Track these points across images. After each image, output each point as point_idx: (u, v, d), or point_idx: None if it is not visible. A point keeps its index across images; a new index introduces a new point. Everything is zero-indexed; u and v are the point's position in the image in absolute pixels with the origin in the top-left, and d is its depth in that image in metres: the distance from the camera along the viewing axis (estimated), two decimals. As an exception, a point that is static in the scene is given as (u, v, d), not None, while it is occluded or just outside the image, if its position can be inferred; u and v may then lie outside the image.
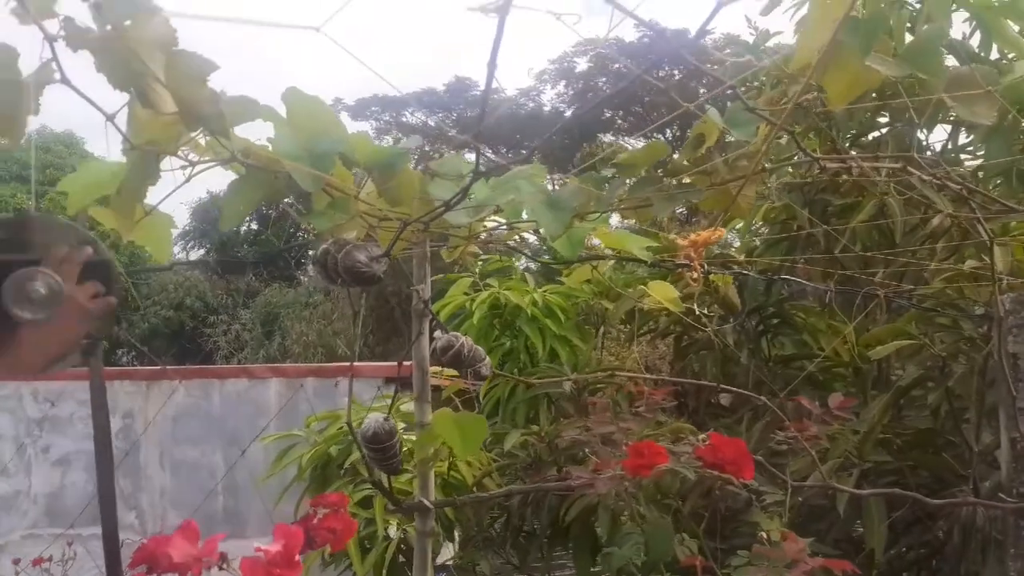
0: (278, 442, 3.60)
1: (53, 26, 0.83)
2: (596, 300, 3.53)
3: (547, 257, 2.50)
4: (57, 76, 0.87)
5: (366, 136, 1.28)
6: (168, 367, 6.50)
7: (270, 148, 1.22)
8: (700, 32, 0.81)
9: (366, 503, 2.86)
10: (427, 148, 17.72)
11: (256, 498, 4.98)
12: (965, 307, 2.04)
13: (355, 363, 5.91)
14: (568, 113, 17.49)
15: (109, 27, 0.83)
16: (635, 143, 17.17)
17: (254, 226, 16.56)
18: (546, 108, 17.48)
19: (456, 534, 3.08)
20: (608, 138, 17.45)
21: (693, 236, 1.48)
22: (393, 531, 2.85)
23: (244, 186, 1.20)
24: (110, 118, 0.94)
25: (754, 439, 2.44)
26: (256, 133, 1.30)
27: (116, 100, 1.02)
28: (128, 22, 0.85)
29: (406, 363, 1.73)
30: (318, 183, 1.12)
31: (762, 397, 1.68)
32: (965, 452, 2.12)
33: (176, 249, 18.21)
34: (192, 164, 1.14)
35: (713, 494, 1.71)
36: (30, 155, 15.68)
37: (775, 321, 3.01)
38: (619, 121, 17.73)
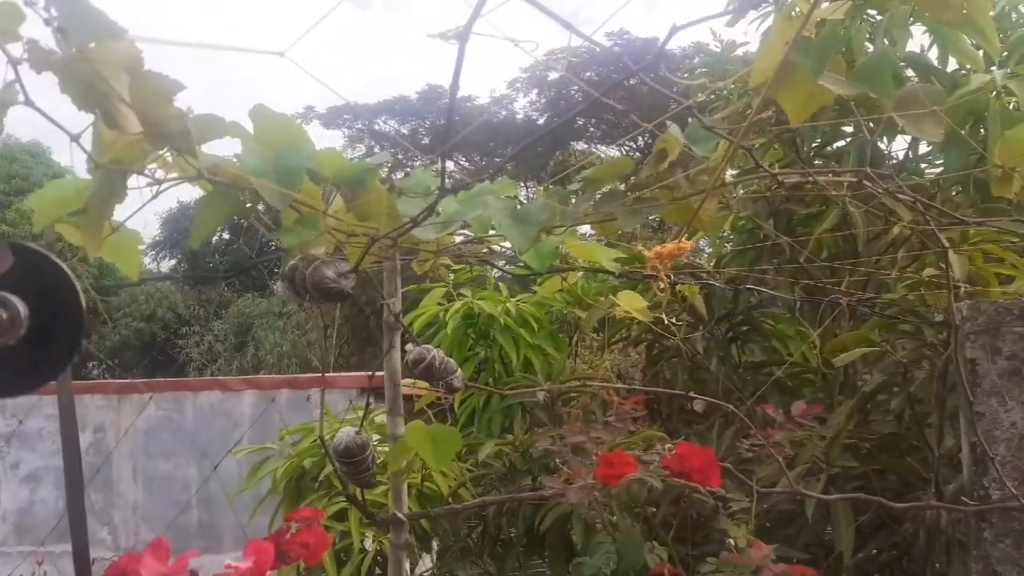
0: (252, 455, 3.57)
1: (17, 48, 0.84)
2: (569, 309, 3.55)
3: (519, 267, 2.52)
4: (21, 98, 0.87)
5: (335, 151, 1.29)
6: (139, 380, 6.43)
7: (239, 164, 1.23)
8: (657, 55, 0.84)
9: (341, 516, 2.85)
10: (399, 156, 17.70)
11: (231, 512, 4.93)
12: (926, 314, 2.09)
13: (329, 374, 5.88)
14: (541, 120, 17.56)
15: (74, 49, 0.84)
16: (607, 151, 17.30)
17: (226, 236, 16.43)
18: (519, 116, 17.57)
19: (434, 544, 3.08)
20: (581, 146, 17.57)
21: (658, 248, 1.51)
22: (370, 543, 2.85)
23: (212, 202, 1.21)
24: (75, 138, 0.94)
25: (724, 446, 2.48)
26: (228, 148, 1.31)
27: (84, 115, 1.02)
28: (92, 44, 0.86)
29: (379, 373, 1.74)
30: (285, 200, 1.13)
31: (728, 405, 1.71)
32: (929, 456, 2.17)
33: (147, 260, 17.99)
34: (158, 182, 1.14)
35: (683, 501, 1.74)
36: (-4, 166, 15.44)
37: (744, 328, 3.06)
38: (591, 129, 17.85)
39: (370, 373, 1.68)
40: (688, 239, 1.63)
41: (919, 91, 0.97)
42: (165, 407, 6.05)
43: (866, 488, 2.26)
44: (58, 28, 0.78)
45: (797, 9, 1.07)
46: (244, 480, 3.41)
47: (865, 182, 1.18)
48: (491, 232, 1.44)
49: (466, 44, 0.70)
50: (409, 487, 2.89)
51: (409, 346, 1.63)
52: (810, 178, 1.22)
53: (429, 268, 1.70)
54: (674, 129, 1.21)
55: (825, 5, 1.11)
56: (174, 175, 1.23)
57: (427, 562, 3.17)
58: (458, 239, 1.48)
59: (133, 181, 1.20)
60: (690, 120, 1.26)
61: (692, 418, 3.15)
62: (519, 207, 1.26)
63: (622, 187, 1.26)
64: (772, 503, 2.35)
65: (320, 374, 6.09)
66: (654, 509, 2.22)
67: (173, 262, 17.82)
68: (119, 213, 1.23)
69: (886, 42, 2.16)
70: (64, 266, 0.81)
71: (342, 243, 1.28)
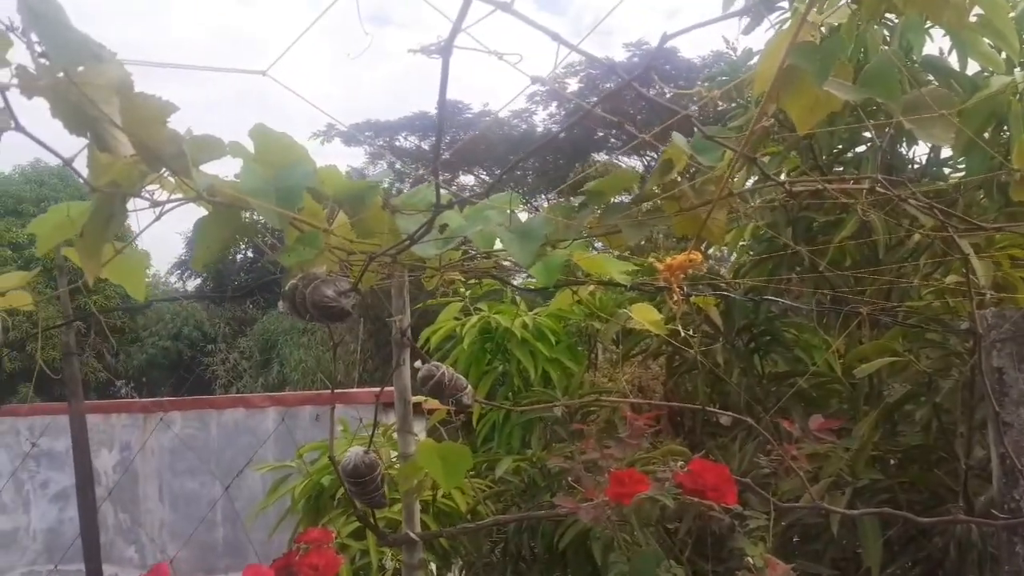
0: (275, 472, 3.57)
1: (6, 75, 0.83)
2: (587, 322, 3.51)
3: (529, 282, 2.49)
4: (12, 125, 0.87)
5: (335, 169, 1.28)
6: (165, 399, 6.48)
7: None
8: (647, 64, 0.81)
9: (360, 534, 2.83)
10: (420, 172, 17.77)
11: (256, 529, 4.93)
12: (950, 322, 2.03)
13: (351, 390, 5.88)
14: (562, 134, 17.55)
15: (60, 74, 0.83)
16: (629, 162, 17.23)
17: (250, 254, 16.59)
18: (539, 129, 17.58)
19: (460, 560, 3.05)
20: (602, 157, 17.53)
21: (669, 260, 1.48)
22: (389, 562, 2.82)
23: (212, 224, 1.20)
24: (67, 163, 0.94)
25: (747, 459, 2.43)
26: (231, 168, 1.30)
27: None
28: (81, 68, 0.85)
29: (388, 389, 1.72)
30: (283, 220, 1.12)
31: (747, 418, 1.66)
32: (959, 467, 2.10)
33: (172, 279, 18.22)
34: (157, 204, 1.14)
35: (702, 518, 1.69)
36: (24, 190, 15.74)
37: (766, 339, 3.00)
38: (612, 140, 17.81)
39: (378, 390, 1.66)
40: (700, 250, 1.59)
41: (928, 95, 0.93)
42: (190, 425, 6.09)
43: (894, 501, 2.20)
44: (41, 54, 0.78)
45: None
46: (263, 499, 3.41)
47: (878, 189, 1.15)
48: (497, 247, 1.42)
49: (449, 58, 0.68)
50: (427, 504, 2.87)
51: (418, 363, 1.61)
52: (819, 186, 1.18)
53: (437, 284, 1.68)
54: (678, 138, 1.18)
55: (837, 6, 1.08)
56: (178, 196, 1.23)
57: (451, 579, 3.14)
58: (460, 255, 1.46)
59: (134, 203, 1.19)
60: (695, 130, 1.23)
61: (716, 431, 3.09)
62: (522, 222, 1.24)
63: (627, 199, 1.24)
64: (798, 518, 2.29)
65: (345, 391, 6.08)
66: (676, 525, 2.18)
67: (198, 281, 18.02)
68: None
69: (895, 46, 2.11)
70: None
71: (344, 261, 1.27)
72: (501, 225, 1.15)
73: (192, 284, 17.98)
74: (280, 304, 1.19)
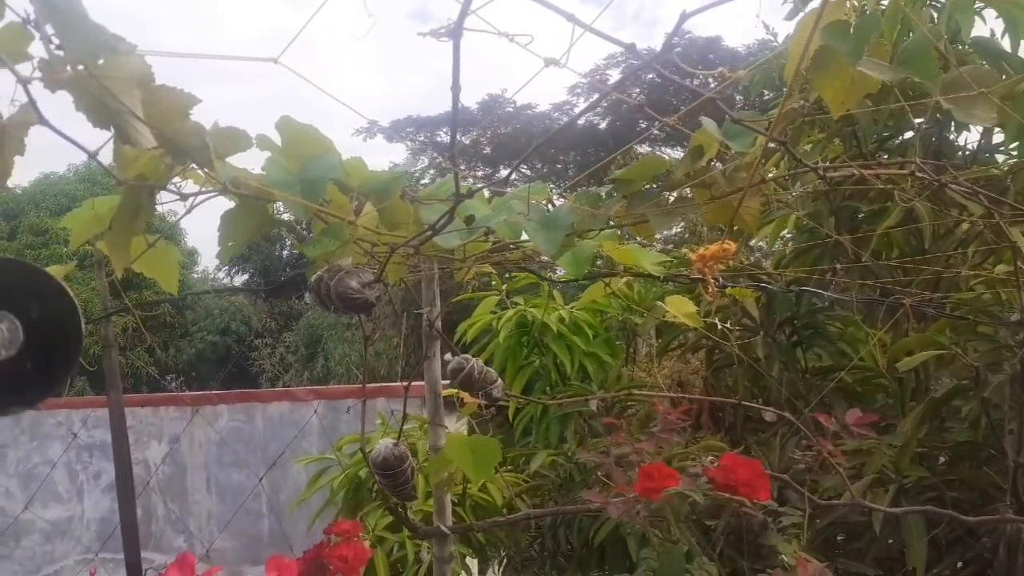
0: (318, 464, 3.61)
1: (27, 69, 0.84)
2: (625, 315, 3.48)
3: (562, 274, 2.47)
4: (36, 119, 0.88)
5: (360, 161, 1.28)
6: (212, 392, 6.61)
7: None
8: (667, 46, 0.79)
9: (396, 527, 2.85)
10: (463, 167, 17.80)
11: (301, 520, 5.01)
12: (1000, 314, 1.95)
13: (392, 384, 5.92)
14: (603, 125, 17.42)
15: (81, 67, 0.84)
16: (672, 153, 17.03)
17: (296, 250, 16.83)
18: (580, 121, 17.43)
19: (500, 555, 3.05)
20: (644, 148, 17.35)
21: (702, 251, 1.45)
22: (425, 554, 2.83)
23: (238, 216, 1.21)
24: (92, 155, 0.95)
25: (787, 455, 2.37)
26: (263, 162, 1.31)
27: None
28: (101, 61, 0.86)
29: (417, 383, 1.72)
30: (308, 212, 1.12)
31: (785, 413, 1.62)
32: (1008, 465, 2.02)
33: (221, 275, 18.58)
34: (184, 197, 1.14)
35: (739, 513, 1.66)
36: (78, 189, 16.18)
37: (808, 332, 2.93)
38: (655, 131, 17.62)
39: (406, 383, 1.65)
40: (734, 240, 1.55)
41: (968, 73, 0.89)
42: (237, 418, 6.21)
43: (941, 500, 2.13)
44: (57, 47, 0.78)
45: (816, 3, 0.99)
46: (303, 491, 3.45)
47: (918, 175, 1.10)
48: (524, 238, 1.40)
49: (459, 41, 0.67)
50: (462, 498, 2.87)
51: (448, 356, 1.60)
52: (856, 172, 1.14)
53: (468, 276, 1.67)
54: (708, 123, 1.15)
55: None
56: (207, 189, 1.23)
57: (493, 573, 3.15)
58: (488, 245, 1.45)
59: (166, 196, 1.21)
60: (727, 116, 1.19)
61: (758, 426, 3.03)
62: (548, 211, 1.22)
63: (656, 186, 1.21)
64: (842, 516, 2.23)
65: (384, 384, 6.15)
66: (714, 522, 2.14)
67: (246, 276, 18.35)
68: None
69: (943, 28, 2.03)
70: (63, 283, 0.81)
71: (369, 253, 1.26)
72: (525, 215, 1.13)
73: (239, 280, 18.34)
74: (307, 296, 1.19)
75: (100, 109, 0.90)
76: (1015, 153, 2.56)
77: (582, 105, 17.94)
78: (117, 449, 1.67)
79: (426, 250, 1.18)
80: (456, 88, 0.74)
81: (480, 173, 17.80)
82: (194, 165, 1.14)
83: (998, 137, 2.68)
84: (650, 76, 16.82)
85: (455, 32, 0.65)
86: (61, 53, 0.79)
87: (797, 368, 2.92)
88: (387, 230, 1.31)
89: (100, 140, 1.02)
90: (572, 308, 3.43)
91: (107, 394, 1.69)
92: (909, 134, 2.72)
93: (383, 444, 1.52)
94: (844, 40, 0.96)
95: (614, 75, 16.67)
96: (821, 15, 0.82)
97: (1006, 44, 2.53)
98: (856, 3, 1.20)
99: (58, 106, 0.94)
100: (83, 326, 0.82)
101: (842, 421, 1.85)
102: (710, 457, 1.48)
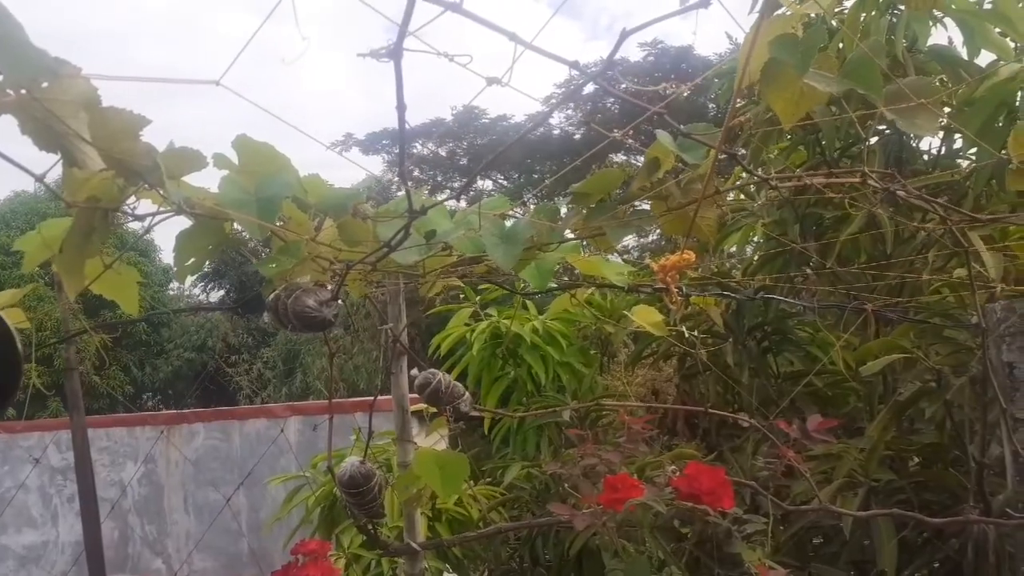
0: (296, 481, 3.58)
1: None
2: (598, 324, 3.48)
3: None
4: (-21, 141, 0.87)
5: (318, 179, 1.27)
6: (188, 411, 6.54)
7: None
8: (608, 62, 0.79)
9: (373, 543, 2.83)
10: (439, 178, 17.81)
11: (281, 537, 4.97)
12: (961, 316, 1.98)
13: (368, 398, 5.89)
14: (577, 136, 17.51)
15: (24, 91, 0.83)
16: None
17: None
18: (555, 132, 17.52)
19: (479, 568, 3.03)
20: (620, 158, 17.44)
21: (662, 261, 1.46)
22: (402, 572, 2.81)
23: (194, 236, 1.20)
24: (39, 179, 0.94)
25: (760, 461, 2.38)
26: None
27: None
28: (45, 84, 0.85)
29: (384, 398, 1.71)
30: (263, 232, 1.11)
31: (751, 420, 1.63)
32: (973, 466, 2.05)
33: (196, 291, 18.39)
34: (139, 218, 1.13)
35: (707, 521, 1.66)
36: (49, 208, 15.94)
37: (777, 338, 2.96)
38: (630, 140, 17.70)
39: (372, 399, 1.64)
40: (698, 249, 1.56)
41: (910, 84, 0.90)
42: (213, 436, 6.14)
43: (910, 502, 2.15)
44: (-3, 70, 0.77)
45: (782, 9, 1.01)
46: (279, 509, 3.42)
47: (870, 183, 1.12)
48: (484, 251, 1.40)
49: (400, 61, 0.67)
50: (439, 512, 2.86)
51: (414, 371, 1.60)
52: (807, 182, 1.16)
53: (435, 291, 1.67)
54: (663, 136, 1.16)
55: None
56: (165, 209, 1.22)
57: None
58: (453, 259, 1.45)
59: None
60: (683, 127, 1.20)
61: (733, 432, 3.05)
62: (506, 226, 1.22)
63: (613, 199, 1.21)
64: (815, 519, 2.25)
65: (362, 398, 6.12)
66: (688, 528, 2.14)
67: (222, 292, 18.18)
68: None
69: (901, 36, 2.07)
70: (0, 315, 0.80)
71: (329, 270, 1.26)
72: (484, 229, 1.14)
73: (215, 296, 18.16)
74: (265, 315, 1.18)
75: (46, 132, 0.89)
76: (973, 157, 2.61)
77: (557, 115, 18.02)
78: (80, 472, 1.65)
79: (384, 266, 1.18)
80: (401, 108, 0.74)
81: (456, 184, 17.80)
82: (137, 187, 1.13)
83: (960, 142, 2.73)
84: (624, 86, 16.96)
85: (395, 53, 0.66)
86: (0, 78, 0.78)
87: (768, 373, 2.94)
88: (347, 247, 1.31)
89: (53, 160, 1.01)
90: (545, 318, 3.43)
91: (70, 416, 1.66)
92: (874, 139, 2.76)
93: (349, 462, 1.51)
94: (792, 53, 0.98)
95: (588, 85, 16.73)
96: (757, 33, 0.83)
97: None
98: (813, 14, 1.22)
99: (5, 126, 0.93)
100: (20, 354, 0.81)
101: (791, 429, 1.87)
102: (672, 467, 1.48)
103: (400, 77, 0.69)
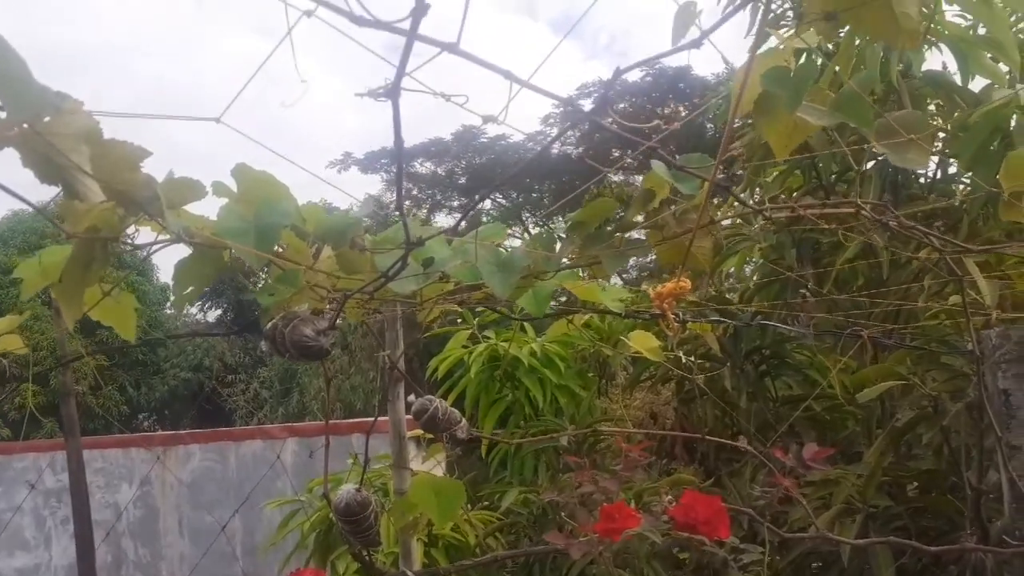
0: (290, 506, 3.56)
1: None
2: (597, 347, 3.49)
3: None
4: (-19, 175, 0.88)
5: (316, 207, 1.28)
6: (183, 432, 6.50)
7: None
8: (604, 97, 0.80)
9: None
10: (438, 197, 17.85)
11: (276, 561, 4.93)
12: (957, 343, 1.99)
13: (366, 419, 5.87)
14: (574, 154, 17.59)
15: (26, 126, 0.84)
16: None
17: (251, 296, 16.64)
18: (554, 151, 17.59)
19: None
20: (618, 177, 17.52)
21: (659, 288, 1.46)
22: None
23: (193, 265, 1.20)
24: (39, 210, 0.95)
25: (758, 488, 2.38)
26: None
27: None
28: (47, 119, 0.86)
29: (382, 419, 1.71)
30: (261, 261, 1.12)
31: (748, 446, 1.63)
32: (971, 493, 2.04)
33: (194, 311, 18.37)
34: (139, 248, 1.14)
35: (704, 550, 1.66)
36: (49, 226, 15.97)
37: (775, 362, 2.96)
38: (628, 160, 17.80)
39: (370, 421, 1.64)
40: (693, 277, 1.57)
41: (899, 119, 0.92)
42: (209, 457, 6.10)
43: (908, 528, 2.14)
44: (0, 108, 0.79)
45: (773, 42, 1.03)
46: (275, 532, 3.39)
47: (862, 213, 1.13)
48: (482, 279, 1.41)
49: (398, 100, 0.68)
50: (437, 538, 2.84)
51: (411, 397, 1.60)
52: (799, 211, 1.17)
53: (433, 317, 1.67)
54: (658, 166, 1.17)
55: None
56: (164, 237, 1.23)
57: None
58: (451, 286, 1.45)
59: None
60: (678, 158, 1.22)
61: (732, 456, 3.04)
62: (503, 254, 1.23)
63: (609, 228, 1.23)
64: (813, 546, 2.24)
65: (366, 419, 6.09)
66: (686, 555, 2.14)
67: (219, 312, 18.17)
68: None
69: (896, 62, 2.09)
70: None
71: (327, 298, 1.26)
72: (481, 258, 1.14)
73: (212, 315, 18.15)
74: (262, 344, 1.19)
75: (47, 165, 0.90)
76: (968, 183, 2.63)
77: (555, 134, 18.12)
78: (76, 495, 1.64)
79: (382, 295, 1.18)
80: (399, 143, 0.75)
81: (456, 203, 17.86)
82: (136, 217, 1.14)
83: (954, 168, 2.75)
84: (622, 105, 17.04)
85: (393, 93, 0.67)
86: (3, 115, 0.79)
87: (766, 398, 2.94)
88: (345, 274, 1.31)
89: (55, 188, 1.02)
90: (543, 341, 3.44)
91: (65, 441, 1.66)
92: (870, 164, 2.78)
93: (345, 489, 1.50)
94: (784, 87, 0.99)
95: (587, 105, 16.85)
96: (750, 67, 0.84)
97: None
98: (805, 42, 1.23)
99: (4, 153, 0.94)
100: None
101: (786, 457, 1.86)
102: (668, 497, 1.48)
103: (398, 116, 0.70)
